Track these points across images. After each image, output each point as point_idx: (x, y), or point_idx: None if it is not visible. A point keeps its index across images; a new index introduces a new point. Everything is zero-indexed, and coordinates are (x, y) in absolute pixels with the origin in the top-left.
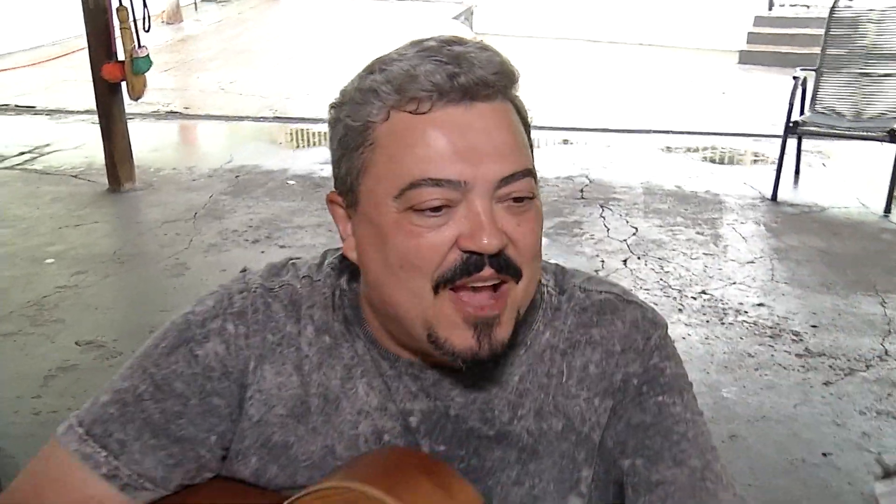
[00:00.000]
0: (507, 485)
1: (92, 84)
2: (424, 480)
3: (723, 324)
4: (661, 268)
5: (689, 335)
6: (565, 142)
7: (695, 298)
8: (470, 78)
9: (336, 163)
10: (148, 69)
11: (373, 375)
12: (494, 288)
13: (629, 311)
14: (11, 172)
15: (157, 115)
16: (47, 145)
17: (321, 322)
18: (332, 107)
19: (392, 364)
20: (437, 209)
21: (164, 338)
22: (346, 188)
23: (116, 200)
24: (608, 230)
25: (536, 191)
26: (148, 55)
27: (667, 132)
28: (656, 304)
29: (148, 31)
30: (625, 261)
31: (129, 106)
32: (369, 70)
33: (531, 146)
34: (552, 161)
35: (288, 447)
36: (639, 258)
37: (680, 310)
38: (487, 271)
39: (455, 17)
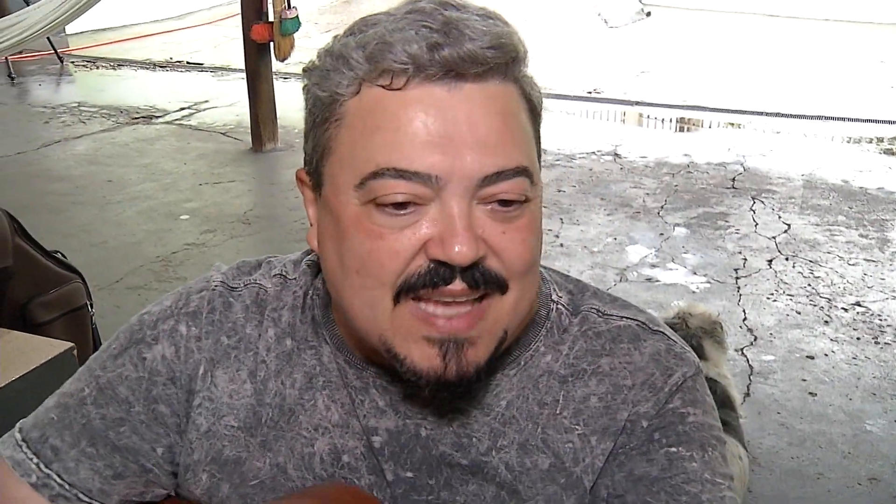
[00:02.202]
0: None
1: (242, 44)
2: None
3: (877, 343)
4: (812, 272)
5: (832, 352)
6: (731, 125)
7: (846, 310)
8: (456, 51)
9: (305, 135)
10: (296, 30)
11: (336, 387)
12: (476, 301)
13: (652, 341)
14: (169, 127)
15: None
16: (205, 101)
17: (286, 324)
18: (304, 70)
19: (359, 373)
20: (401, 206)
21: (116, 338)
22: (313, 168)
23: (256, 160)
24: (756, 225)
25: (534, 192)
26: (297, 17)
27: (843, 119)
28: (799, 314)
29: None
30: (770, 261)
31: (286, 66)
32: (349, 31)
33: (537, 136)
34: (705, 145)
35: (240, 463)
36: (787, 259)
37: (826, 322)
38: (458, 285)
39: None
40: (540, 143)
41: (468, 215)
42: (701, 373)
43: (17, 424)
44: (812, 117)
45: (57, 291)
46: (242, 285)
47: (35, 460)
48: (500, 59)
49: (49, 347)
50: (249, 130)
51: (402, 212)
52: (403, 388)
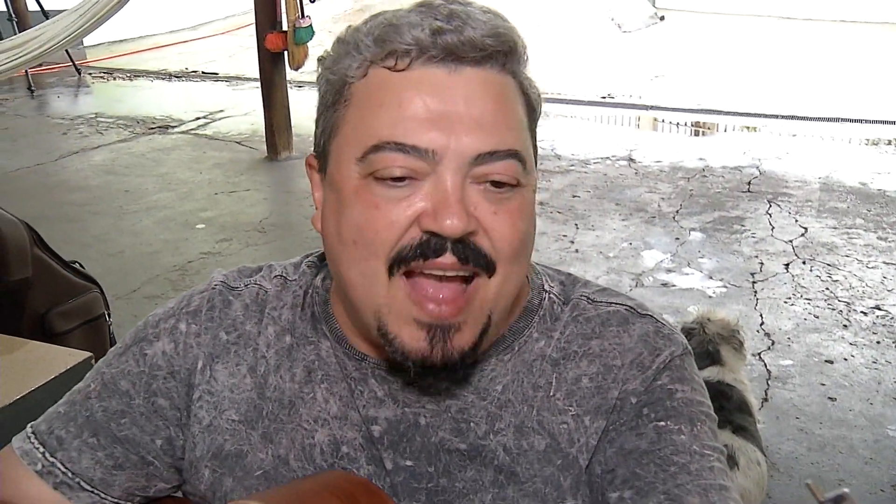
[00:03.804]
0: None
1: (257, 53)
2: None
3: None
4: (829, 276)
5: (852, 356)
6: (747, 128)
7: (865, 314)
8: (457, 37)
9: (316, 121)
10: (310, 39)
11: (335, 380)
12: (465, 281)
13: (640, 324)
14: (185, 137)
15: None
16: (221, 111)
17: (286, 322)
18: (319, 60)
19: (358, 364)
20: (399, 179)
21: (123, 340)
22: (320, 150)
23: (271, 168)
24: (773, 229)
25: (527, 179)
26: (311, 25)
27: (860, 121)
28: (818, 318)
29: (313, 1)
30: (787, 265)
31: (300, 74)
32: (362, 23)
33: (532, 131)
34: (720, 149)
35: (242, 456)
36: (804, 263)
37: (845, 326)
38: (448, 258)
39: None
40: (535, 139)
41: (461, 189)
42: (689, 353)
43: (28, 424)
44: (829, 119)
45: (75, 301)
46: (243, 286)
47: (41, 450)
48: (498, 48)
49: (68, 357)
50: (264, 139)
51: (399, 185)
52: (402, 377)
